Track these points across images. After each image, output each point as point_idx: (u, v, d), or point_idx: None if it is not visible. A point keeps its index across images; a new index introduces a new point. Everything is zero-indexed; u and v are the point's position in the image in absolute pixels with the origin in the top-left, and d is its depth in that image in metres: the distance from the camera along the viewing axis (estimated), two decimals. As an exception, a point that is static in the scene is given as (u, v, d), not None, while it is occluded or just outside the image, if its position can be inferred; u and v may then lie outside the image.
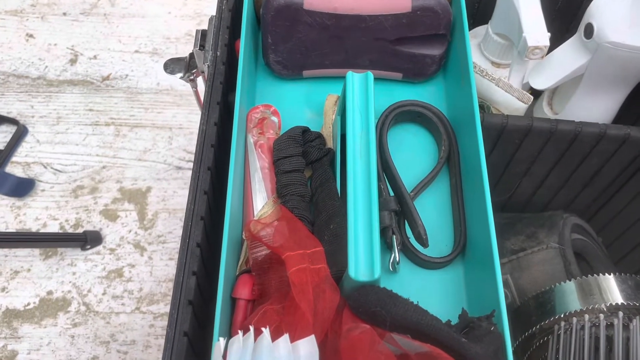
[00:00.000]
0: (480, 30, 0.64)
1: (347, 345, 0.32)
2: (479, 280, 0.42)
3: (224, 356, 0.31)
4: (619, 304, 0.46)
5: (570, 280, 0.49)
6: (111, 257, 1.00)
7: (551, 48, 0.54)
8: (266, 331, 0.30)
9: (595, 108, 0.56)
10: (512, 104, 0.57)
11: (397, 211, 0.46)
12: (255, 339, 0.31)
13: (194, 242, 0.43)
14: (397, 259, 0.44)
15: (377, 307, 0.33)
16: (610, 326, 0.44)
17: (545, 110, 0.60)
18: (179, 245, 0.42)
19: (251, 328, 0.31)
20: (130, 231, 1.03)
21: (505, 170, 0.60)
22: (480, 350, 0.31)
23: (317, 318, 0.33)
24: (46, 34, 1.29)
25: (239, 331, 0.31)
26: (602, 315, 0.45)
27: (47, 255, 1.01)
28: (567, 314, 0.47)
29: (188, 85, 0.71)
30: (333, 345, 0.34)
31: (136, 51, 1.26)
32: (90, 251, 1.00)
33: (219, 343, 0.31)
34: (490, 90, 0.57)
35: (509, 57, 0.59)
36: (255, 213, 0.45)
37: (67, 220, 1.04)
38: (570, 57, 0.51)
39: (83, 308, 0.95)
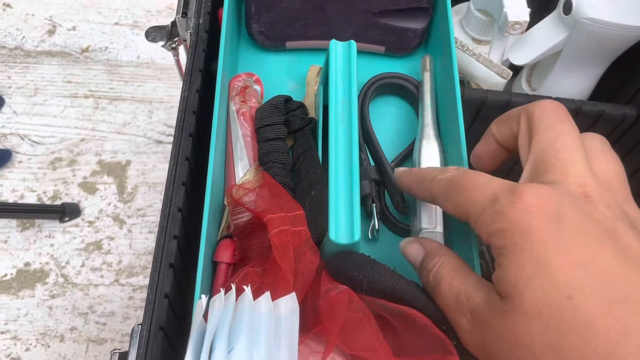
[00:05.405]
0: (462, 7, 0.64)
1: (326, 304, 0.32)
2: (455, 248, 0.43)
3: (206, 314, 0.32)
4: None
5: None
6: (90, 229, 1.00)
7: (532, 25, 0.55)
8: (248, 289, 0.31)
9: (572, 84, 0.57)
10: (492, 79, 0.58)
11: (378, 180, 0.46)
12: (236, 299, 0.32)
13: (175, 207, 0.43)
14: (377, 226, 0.44)
15: (354, 272, 0.33)
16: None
17: (523, 87, 0.61)
18: (158, 219, 0.42)
19: (233, 286, 0.31)
20: (109, 204, 1.02)
21: (483, 145, 0.61)
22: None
23: (297, 279, 0.34)
24: (24, 4, 1.26)
25: (221, 289, 0.31)
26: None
27: (25, 227, 1.00)
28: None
29: (168, 59, 0.71)
30: (312, 305, 0.34)
31: (116, 23, 1.24)
32: (68, 223, 1.00)
33: (200, 301, 0.31)
34: (471, 66, 0.58)
35: (489, 34, 0.60)
36: (237, 180, 0.46)
37: (44, 192, 1.03)
38: (549, 33, 0.52)
39: (61, 280, 0.95)
